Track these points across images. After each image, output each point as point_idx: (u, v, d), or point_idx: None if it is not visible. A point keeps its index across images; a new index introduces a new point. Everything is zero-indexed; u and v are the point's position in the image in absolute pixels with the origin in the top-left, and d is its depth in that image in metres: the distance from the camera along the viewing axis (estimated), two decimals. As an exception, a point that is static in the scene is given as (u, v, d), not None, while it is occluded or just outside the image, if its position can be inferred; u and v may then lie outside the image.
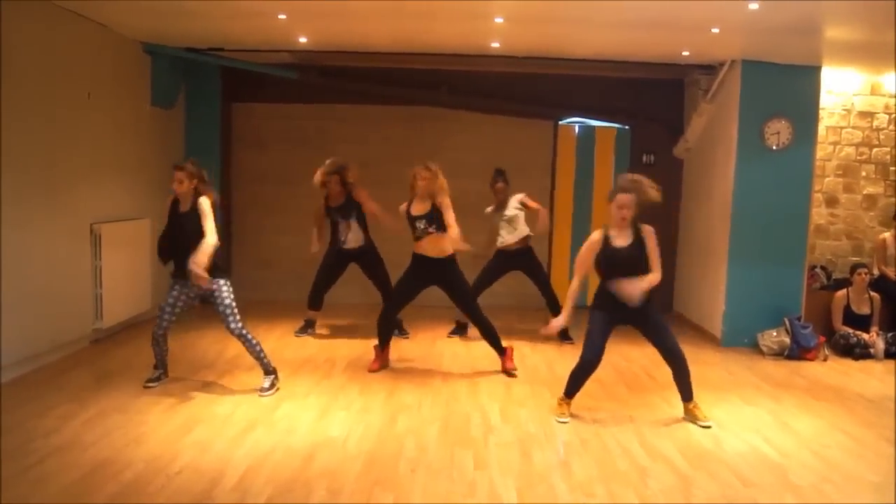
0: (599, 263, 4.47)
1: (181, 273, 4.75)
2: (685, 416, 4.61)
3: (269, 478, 3.56)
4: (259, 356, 4.87)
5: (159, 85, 6.97)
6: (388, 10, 5.30)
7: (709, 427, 4.46)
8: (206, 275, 4.54)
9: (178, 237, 4.77)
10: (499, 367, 5.57)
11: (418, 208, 5.36)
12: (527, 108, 7.97)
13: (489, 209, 6.55)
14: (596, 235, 4.50)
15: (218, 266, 4.76)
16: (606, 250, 4.42)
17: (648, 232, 4.45)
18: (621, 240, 4.41)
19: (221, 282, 4.75)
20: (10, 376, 4.89)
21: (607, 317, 4.49)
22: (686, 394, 4.60)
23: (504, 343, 5.63)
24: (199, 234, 4.64)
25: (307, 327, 6.61)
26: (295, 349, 6.08)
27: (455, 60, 7.20)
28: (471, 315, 5.64)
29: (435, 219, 5.31)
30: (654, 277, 4.37)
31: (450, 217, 5.27)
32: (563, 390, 4.63)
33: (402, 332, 6.48)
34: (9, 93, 4.78)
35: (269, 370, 4.91)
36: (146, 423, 4.23)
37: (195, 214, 4.69)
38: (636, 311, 4.42)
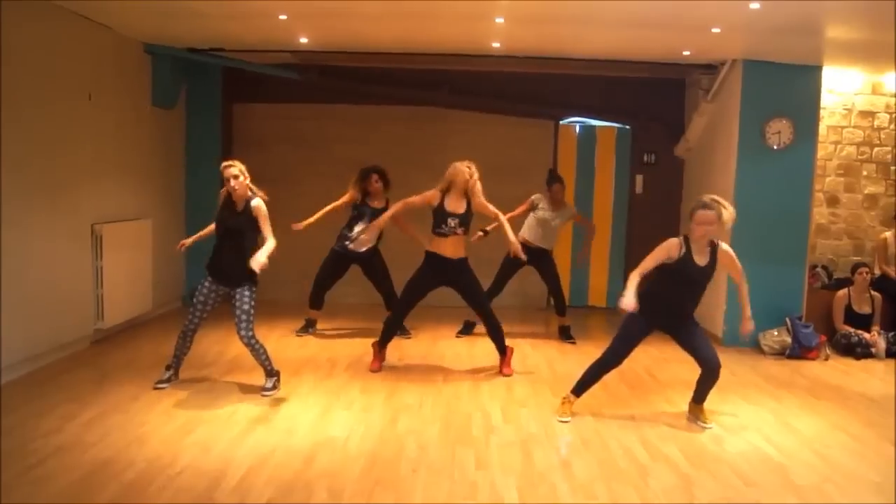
0: (668, 272, 4.28)
1: (219, 274, 4.73)
2: (688, 414, 4.62)
3: (270, 478, 3.56)
4: (263, 363, 4.83)
5: (160, 85, 6.97)
6: (388, 10, 5.30)
7: (710, 428, 4.46)
8: (266, 266, 4.59)
9: (226, 236, 4.73)
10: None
11: (455, 206, 5.24)
12: (528, 107, 7.96)
13: (542, 206, 6.43)
14: (676, 241, 4.29)
15: (253, 273, 4.73)
16: (686, 263, 4.25)
17: (726, 254, 4.36)
18: (700, 257, 4.28)
19: (247, 286, 4.73)
20: (11, 377, 4.89)
21: (647, 324, 4.41)
22: (700, 397, 4.56)
23: (506, 342, 5.60)
24: (253, 237, 4.70)
25: (308, 327, 6.61)
26: (296, 349, 6.08)
27: (456, 60, 7.20)
28: (483, 314, 5.54)
29: (466, 221, 5.28)
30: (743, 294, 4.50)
31: (492, 208, 5.34)
32: (570, 388, 4.61)
33: (404, 332, 6.47)
34: (9, 93, 4.77)
35: (271, 374, 4.89)
36: (147, 424, 4.23)
37: (249, 214, 4.66)
38: (678, 323, 4.39)
